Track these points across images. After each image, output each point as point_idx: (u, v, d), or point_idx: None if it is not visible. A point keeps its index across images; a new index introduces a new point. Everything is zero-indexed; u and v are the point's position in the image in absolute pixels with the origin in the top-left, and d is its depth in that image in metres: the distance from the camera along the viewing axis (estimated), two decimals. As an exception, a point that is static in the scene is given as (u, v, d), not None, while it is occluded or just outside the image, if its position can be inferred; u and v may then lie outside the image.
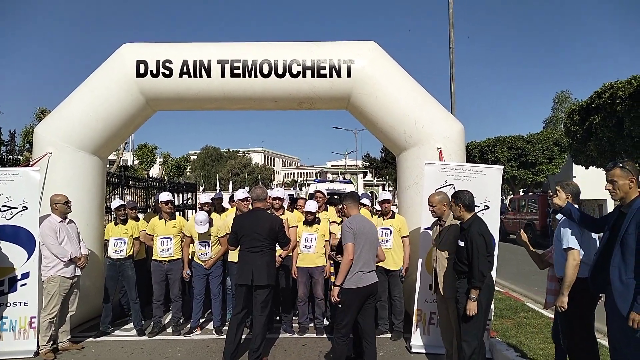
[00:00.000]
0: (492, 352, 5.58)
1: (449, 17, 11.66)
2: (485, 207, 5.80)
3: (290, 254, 6.51)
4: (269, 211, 6.04)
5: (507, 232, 20.99)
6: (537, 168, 31.16)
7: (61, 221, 5.82)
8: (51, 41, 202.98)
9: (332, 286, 4.89)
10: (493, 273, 5.72)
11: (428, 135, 6.71)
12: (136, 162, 25.81)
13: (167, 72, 6.82)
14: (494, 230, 5.81)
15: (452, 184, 5.63)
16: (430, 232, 5.62)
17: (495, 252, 5.78)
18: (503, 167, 6.59)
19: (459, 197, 4.69)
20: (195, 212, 11.85)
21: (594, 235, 4.18)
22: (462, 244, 4.60)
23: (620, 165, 3.51)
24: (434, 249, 5.15)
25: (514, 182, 32.71)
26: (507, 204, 23.08)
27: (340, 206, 5.98)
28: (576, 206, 4.19)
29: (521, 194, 22.95)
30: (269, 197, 6.74)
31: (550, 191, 4.47)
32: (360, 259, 4.73)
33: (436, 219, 5.25)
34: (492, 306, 5.80)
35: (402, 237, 6.37)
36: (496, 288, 7.11)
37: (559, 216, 4.35)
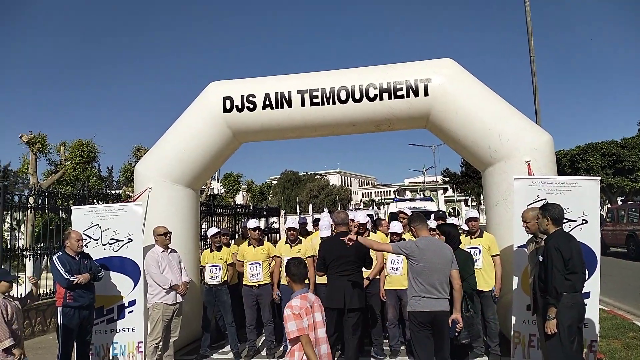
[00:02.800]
0: (601, 376, 5.21)
1: (527, 25, 11.28)
2: (584, 222, 5.48)
3: (378, 277, 6.51)
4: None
5: (607, 245, 19.47)
6: (636, 174, 28.84)
7: (163, 251, 6.24)
8: (141, 84, 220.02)
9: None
10: (595, 290, 5.40)
11: (514, 149, 6.49)
12: (222, 190, 27.02)
13: (251, 106, 7.19)
14: (595, 245, 5.49)
15: (545, 199, 5.37)
16: (525, 249, 5.39)
17: (598, 270, 5.45)
18: (600, 177, 6.21)
19: (547, 209, 4.51)
20: (280, 235, 12.16)
21: None
22: (541, 259, 4.41)
23: None
24: (530, 267, 4.94)
25: (610, 191, 30.47)
26: (605, 214, 21.46)
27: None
28: None
29: (619, 203, 21.24)
30: (352, 220, 6.82)
31: None
32: (422, 285, 4.53)
33: (531, 235, 5.05)
34: (597, 326, 5.43)
35: (492, 256, 6.16)
36: (600, 306, 6.65)
37: None
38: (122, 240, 6.43)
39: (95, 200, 9.77)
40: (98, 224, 6.47)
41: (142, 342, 6.22)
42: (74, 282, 5.46)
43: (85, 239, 6.22)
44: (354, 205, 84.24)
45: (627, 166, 28.90)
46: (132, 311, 6.31)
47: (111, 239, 6.44)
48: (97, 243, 6.43)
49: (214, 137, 7.33)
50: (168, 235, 6.32)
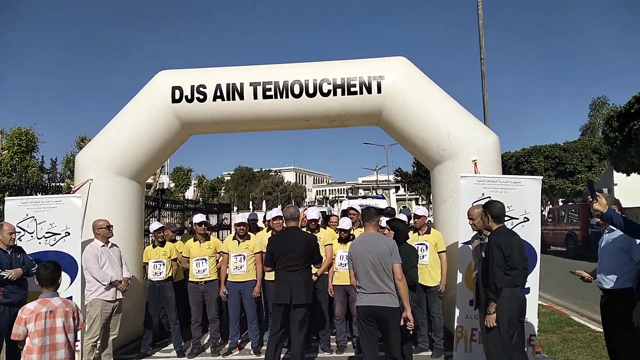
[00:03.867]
0: (538, 369, 5.39)
1: (479, 28, 11.57)
2: (525, 219, 5.66)
3: (326, 273, 6.48)
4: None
5: (548, 244, 20.36)
6: (576, 177, 30.32)
7: (103, 245, 5.96)
8: (88, 70, 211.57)
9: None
10: (535, 286, 5.58)
11: (462, 148, 6.62)
12: (172, 185, 26.35)
13: (202, 97, 6.99)
14: (535, 243, 5.67)
15: (489, 197, 5.50)
16: (470, 246, 5.51)
17: (537, 266, 5.64)
18: (542, 177, 6.43)
19: (488, 207, 4.64)
20: (230, 232, 11.94)
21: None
22: (483, 255, 4.52)
23: None
24: (474, 263, 5.04)
25: (552, 192, 31.87)
26: (546, 215, 22.42)
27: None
28: (619, 212, 4.02)
29: (560, 204, 22.23)
30: (304, 216, 6.78)
31: (589, 197, 4.22)
32: (360, 281, 4.59)
33: (476, 232, 5.16)
34: (536, 321, 5.62)
35: (438, 253, 6.26)
36: (539, 302, 6.90)
37: (593, 221, 4.23)
38: (59, 234, 6.11)
39: (33, 192, 9.26)
40: (33, 216, 6.12)
41: (78, 341, 5.91)
42: (5, 277, 5.13)
43: (19, 232, 5.87)
44: (308, 202, 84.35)
45: (569, 169, 30.28)
46: (68, 308, 5.99)
47: (47, 232, 6.10)
48: (31, 236, 6.09)
49: (162, 127, 7.06)
50: (110, 228, 6.05)
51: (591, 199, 3.97)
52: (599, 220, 4.08)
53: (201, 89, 6.99)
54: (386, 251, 4.57)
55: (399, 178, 52.28)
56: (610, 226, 4.12)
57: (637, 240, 3.95)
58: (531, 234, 5.62)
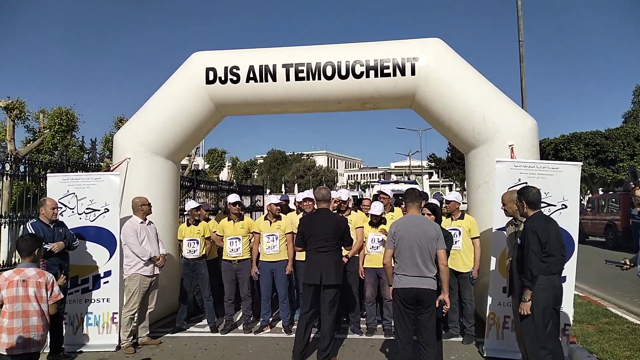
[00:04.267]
0: (572, 358, 5.28)
1: (517, 9, 11.20)
2: (563, 207, 5.50)
3: (357, 255, 6.49)
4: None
5: (586, 234, 19.79)
6: (618, 165, 29.26)
7: (142, 222, 6.15)
8: (125, 53, 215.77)
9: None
10: (571, 275, 5.44)
11: (498, 132, 6.46)
12: (207, 166, 26.75)
13: (235, 78, 7.03)
14: (573, 231, 5.51)
15: (526, 183, 5.36)
16: (504, 232, 5.40)
17: (575, 255, 5.49)
18: (581, 163, 6.22)
19: (523, 193, 4.52)
20: (263, 213, 12.11)
21: None
22: (519, 241, 4.42)
23: None
24: (508, 249, 4.95)
25: (592, 181, 30.90)
26: (585, 204, 21.75)
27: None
28: None
29: (600, 193, 21.51)
30: (334, 198, 6.77)
31: (632, 183, 4.04)
32: (403, 264, 4.46)
33: (511, 218, 5.05)
34: (572, 311, 5.49)
35: (472, 238, 6.17)
36: (575, 292, 6.73)
37: (634, 211, 4.07)
38: (99, 210, 6.29)
39: (74, 170, 9.57)
40: (74, 193, 6.32)
41: (117, 313, 6.15)
42: (48, 250, 5.34)
43: (61, 208, 6.08)
44: (339, 187, 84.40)
45: (610, 157, 29.25)
46: (107, 282, 6.21)
47: (87, 209, 6.30)
48: (72, 212, 6.29)
49: (196, 108, 7.17)
50: (150, 206, 6.26)
51: (633, 186, 3.82)
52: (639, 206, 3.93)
53: (234, 70, 7.03)
54: (434, 236, 4.50)
55: (433, 164, 51.56)
56: None
57: None
58: (569, 221, 5.46)
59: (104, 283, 6.21)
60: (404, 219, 4.70)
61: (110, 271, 6.22)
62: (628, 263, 4.38)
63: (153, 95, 7.38)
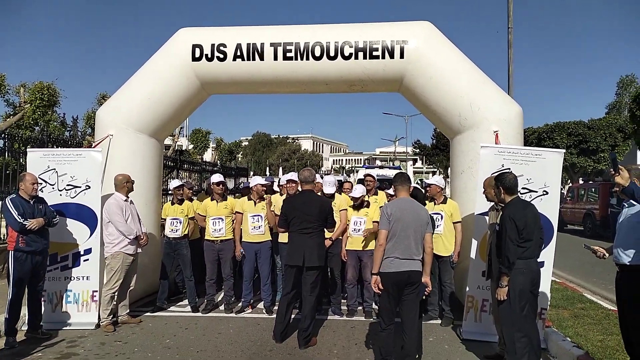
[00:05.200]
0: (547, 342, 5.40)
1: (507, -4, 11.19)
2: (544, 193, 5.57)
3: (340, 237, 6.52)
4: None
5: (565, 222, 20.15)
6: (599, 155, 29.75)
7: (125, 200, 6.08)
8: (109, 27, 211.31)
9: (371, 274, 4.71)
10: (549, 260, 5.53)
11: (484, 118, 6.49)
12: (190, 146, 26.52)
13: (222, 56, 6.93)
14: (553, 217, 5.59)
15: (509, 169, 5.40)
16: (486, 217, 5.46)
17: (554, 241, 5.57)
18: (564, 151, 6.28)
19: (500, 179, 4.55)
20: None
21: None
22: (498, 227, 4.47)
23: None
24: (489, 234, 5.01)
25: (573, 170, 31.37)
26: (566, 192, 22.10)
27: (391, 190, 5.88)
28: None
29: (580, 182, 21.85)
30: (320, 184, 6.73)
31: (612, 170, 4.10)
32: (397, 246, 4.45)
33: (492, 203, 5.10)
34: (548, 296, 5.60)
35: (453, 223, 6.23)
36: (553, 278, 6.86)
37: (613, 200, 4.12)
38: (80, 187, 6.19)
39: (55, 146, 9.39)
40: (54, 169, 6.20)
41: (96, 291, 6.10)
42: (27, 227, 5.25)
43: (41, 183, 5.97)
44: (325, 171, 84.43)
45: (592, 147, 29.72)
46: (87, 259, 6.15)
47: (68, 185, 6.19)
48: (53, 188, 6.18)
49: (181, 85, 7.06)
50: (133, 183, 6.21)
51: (613, 172, 3.87)
52: (620, 193, 3.98)
53: (221, 48, 6.92)
54: (425, 220, 4.56)
55: (417, 150, 51.76)
56: (631, 200, 4.02)
57: None
58: (550, 207, 5.53)
59: (84, 261, 6.15)
60: (399, 202, 4.66)
61: (90, 249, 6.16)
62: (602, 251, 4.45)
63: (137, 72, 7.23)
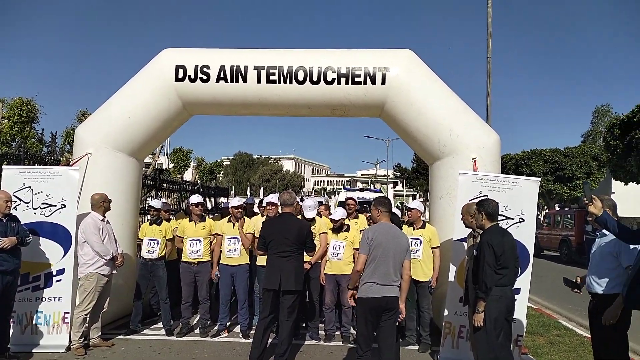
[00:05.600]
0: (523, 369, 5.42)
1: (487, 26, 11.50)
2: (521, 220, 5.66)
3: (320, 261, 6.49)
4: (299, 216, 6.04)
5: (542, 248, 20.42)
6: (574, 183, 30.34)
7: (102, 219, 5.99)
8: (92, 45, 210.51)
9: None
10: (525, 287, 5.60)
11: (463, 145, 6.61)
12: (171, 165, 26.30)
13: (205, 77, 6.95)
14: (529, 244, 5.68)
15: (487, 195, 5.49)
16: (464, 243, 5.51)
17: (530, 268, 5.65)
18: (540, 179, 6.42)
19: (482, 204, 4.62)
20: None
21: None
22: (475, 253, 4.53)
23: None
24: (467, 260, 5.05)
25: (549, 197, 31.92)
26: (542, 218, 22.45)
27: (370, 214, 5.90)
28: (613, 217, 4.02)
29: (557, 209, 22.24)
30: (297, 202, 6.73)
31: (585, 199, 4.22)
32: (376, 272, 4.43)
33: (471, 230, 5.16)
34: (524, 322, 5.65)
35: (432, 248, 6.27)
36: (529, 304, 6.92)
37: (588, 227, 4.21)
38: (55, 206, 6.08)
39: (31, 163, 9.22)
40: (30, 187, 6.09)
41: (68, 313, 5.95)
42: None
43: (15, 201, 5.85)
44: (306, 192, 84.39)
45: (568, 174, 30.30)
46: (60, 280, 6.00)
47: (43, 203, 6.07)
48: (27, 206, 6.05)
49: (163, 105, 7.03)
50: (110, 202, 6.12)
51: (587, 202, 3.97)
52: (593, 222, 4.08)
53: (205, 69, 6.95)
54: (405, 247, 4.56)
55: (398, 173, 52.21)
56: (604, 230, 4.12)
57: (629, 245, 3.95)
58: (526, 235, 5.63)
59: (57, 281, 6.00)
60: (380, 227, 4.63)
61: (63, 269, 6.02)
62: (579, 282, 4.52)
63: (119, 90, 7.20)
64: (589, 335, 5.13)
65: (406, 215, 6.81)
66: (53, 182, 6.11)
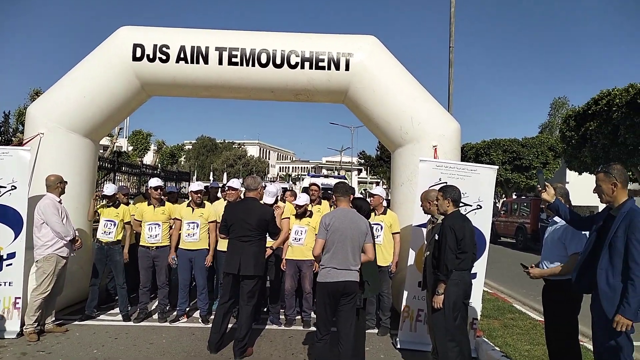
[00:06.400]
0: (477, 351, 5.59)
1: (450, 16, 11.61)
2: (478, 207, 5.79)
3: (282, 246, 6.47)
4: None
5: (499, 235, 21.06)
6: (531, 172, 31.29)
7: (59, 201, 5.78)
8: (47, 20, 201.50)
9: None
10: (481, 272, 5.75)
11: (424, 133, 6.68)
12: (130, 148, 25.59)
13: (164, 57, 6.75)
14: (486, 230, 5.81)
15: (446, 182, 5.59)
16: (423, 229, 5.60)
17: (486, 253, 5.80)
18: (497, 167, 6.58)
19: (447, 191, 4.69)
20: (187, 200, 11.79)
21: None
22: (437, 237, 4.61)
23: (605, 169, 3.49)
24: (426, 245, 5.13)
25: (507, 185, 32.83)
26: (500, 206, 23.12)
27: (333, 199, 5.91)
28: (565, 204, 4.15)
29: (514, 197, 22.93)
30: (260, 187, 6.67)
31: (539, 187, 4.37)
32: (334, 256, 4.45)
33: (430, 216, 5.24)
34: (480, 306, 5.81)
35: (393, 234, 6.34)
36: (484, 289, 7.12)
37: (543, 215, 4.34)
38: (5, 187, 5.81)
39: (-21, 143, 8.79)
40: (-23, 168, 5.79)
41: (19, 298, 5.73)
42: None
43: (-39, 183, 5.56)
44: (270, 178, 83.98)
45: (525, 164, 31.24)
46: (10, 264, 5.75)
47: (-9, 185, 5.80)
48: (-26, 188, 5.77)
49: (120, 85, 6.80)
50: (66, 184, 5.91)
51: (540, 189, 4.08)
52: (546, 209, 4.20)
53: (164, 49, 6.75)
54: (364, 230, 4.55)
55: (362, 161, 52.58)
56: (556, 218, 4.25)
57: (578, 233, 4.09)
58: (483, 221, 5.76)
59: (7, 265, 5.75)
60: (338, 212, 4.65)
61: (14, 253, 5.77)
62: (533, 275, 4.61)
63: (73, 68, 6.91)
64: (542, 319, 5.33)
65: (369, 201, 6.84)
66: (3, 163, 5.83)
